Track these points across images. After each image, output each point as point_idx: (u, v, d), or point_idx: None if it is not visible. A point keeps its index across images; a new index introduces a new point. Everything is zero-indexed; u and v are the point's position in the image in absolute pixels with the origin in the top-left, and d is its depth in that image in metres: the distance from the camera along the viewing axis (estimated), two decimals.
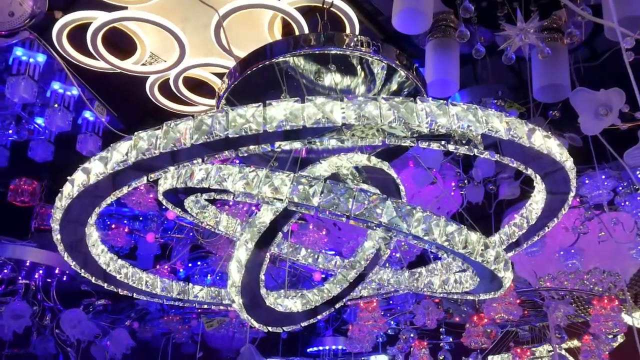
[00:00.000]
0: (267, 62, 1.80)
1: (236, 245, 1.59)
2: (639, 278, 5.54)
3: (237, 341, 7.42)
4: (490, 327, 3.94)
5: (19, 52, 3.03)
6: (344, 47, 1.80)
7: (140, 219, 4.92)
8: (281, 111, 1.08)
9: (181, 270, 5.76)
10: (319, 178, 1.33)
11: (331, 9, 2.79)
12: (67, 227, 1.51)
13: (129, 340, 4.94)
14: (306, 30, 2.80)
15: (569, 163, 1.44)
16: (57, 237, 1.51)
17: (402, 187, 1.90)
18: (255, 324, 1.76)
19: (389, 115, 1.09)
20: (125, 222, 4.79)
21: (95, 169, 1.25)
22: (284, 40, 1.90)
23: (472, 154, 1.32)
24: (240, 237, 1.59)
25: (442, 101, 1.16)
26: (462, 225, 1.41)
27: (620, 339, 4.62)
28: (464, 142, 1.31)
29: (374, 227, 1.35)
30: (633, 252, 4.17)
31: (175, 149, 1.13)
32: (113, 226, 3.96)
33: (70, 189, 1.31)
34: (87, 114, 3.63)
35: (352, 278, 2.02)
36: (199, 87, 3.48)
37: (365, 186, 1.82)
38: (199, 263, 6.01)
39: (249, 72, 1.83)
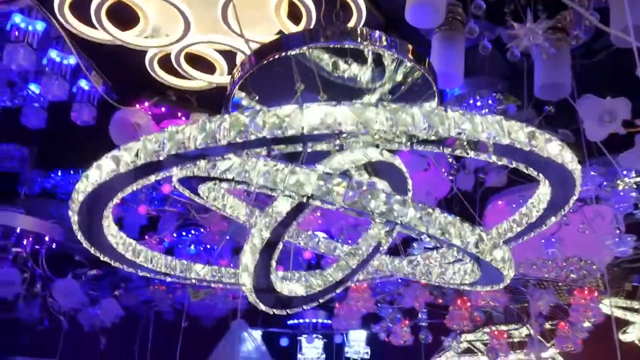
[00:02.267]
0: (284, 55, 1.82)
1: (251, 232, 1.64)
2: (611, 266, 5.80)
3: (218, 310, 7.53)
4: (477, 312, 4.08)
5: (17, 18, 2.95)
6: (362, 42, 1.83)
7: None
8: (317, 114, 1.12)
9: (166, 241, 5.78)
10: (343, 176, 1.37)
11: None
12: (83, 216, 1.56)
13: (118, 309, 4.98)
14: (314, 14, 2.78)
15: (577, 171, 1.51)
16: (75, 226, 1.56)
17: (409, 181, 1.96)
18: (263, 307, 1.83)
19: (421, 124, 1.14)
20: None
21: (122, 160, 1.28)
22: (301, 33, 1.91)
23: (489, 161, 1.37)
24: (254, 224, 1.63)
25: (467, 111, 1.21)
26: (475, 226, 1.49)
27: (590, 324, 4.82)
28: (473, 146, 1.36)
29: (395, 225, 1.41)
30: (609, 243, 4.35)
31: (210, 145, 1.16)
32: None
33: (85, 184, 1.36)
34: (82, 83, 3.58)
35: (354, 264, 2.09)
36: (195, 60, 3.46)
37: (376, 179, 1.88)
38: (183, 233, 6.02)
39: (265, 62, 1.86)
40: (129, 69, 4.38)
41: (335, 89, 2.03)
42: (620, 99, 2.28)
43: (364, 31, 1.85)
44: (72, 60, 3.35)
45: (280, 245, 1.68)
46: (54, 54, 3.28)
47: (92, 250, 1.88)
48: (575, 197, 1.67)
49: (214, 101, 4.65)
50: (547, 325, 5.09)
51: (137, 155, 1.24)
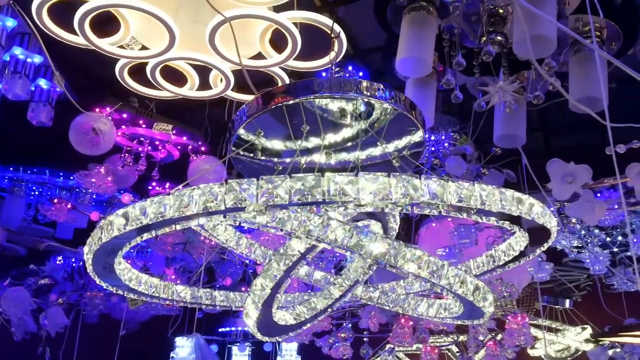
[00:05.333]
0: (292, 102, 1.95)
1: (264, 268, 1.74)
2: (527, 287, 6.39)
3: (141, 314, 7.39)
4: (423, 334, 4.36)
5: None
6: (366, 94, 1.99)
7: (69, 189, 4.72)
8: (372, 185, 1.26)
9: None
10: (346, 222, 1.52)
11: (318, 26, 2.91)
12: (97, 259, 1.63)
13: (64, 318, 4.76)
14: (299, 45, 2.88)
15: (554, 229, 1.76)
16: (90, 269, 1.66)
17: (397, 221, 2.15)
18: (259, 336, 1.93)
19: (455, 197, 1.31)
20: (49, 191, 4.56)
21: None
22: (308, 82, 2.03)
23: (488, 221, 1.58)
24: (269, 263, 1.73)
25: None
26: (461, 269, 1.69)
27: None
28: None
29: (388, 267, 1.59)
30: (530, 269, 4.83)
31: (271, 203, 1.26)
32: (55, 201, 3.80)
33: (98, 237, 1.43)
34: (42, 82, 3.44)
35: (337, 295, 2.23)
36: (166, 69, 3.44)
37: (373, 222, 2.05)
38: None
39: (272, 106, 1.97)
40: (91, 72, 4.25)
41: (327, 124, 2.18)
42: (583, 165, 2.63)
43: (370, 85, 2.01)
44: (36, 59, 3.22)
45: (289, 281, 1.80)
46: (18, 51, 3.14)
47: (114, 291, 1.93)
48: (543, 248, 1.94)
49: (172, 109, 4.62)
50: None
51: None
